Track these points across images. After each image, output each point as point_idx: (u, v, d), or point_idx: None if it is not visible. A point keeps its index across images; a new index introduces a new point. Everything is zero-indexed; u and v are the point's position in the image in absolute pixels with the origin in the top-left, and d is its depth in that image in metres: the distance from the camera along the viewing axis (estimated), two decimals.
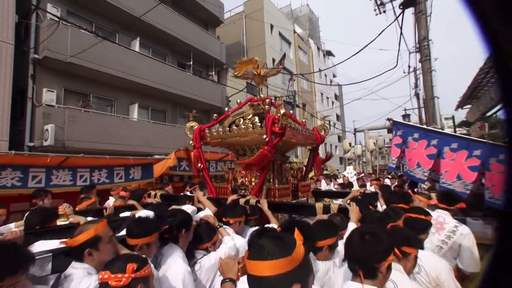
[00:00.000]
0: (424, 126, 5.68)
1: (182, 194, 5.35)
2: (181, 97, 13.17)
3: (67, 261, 1.61)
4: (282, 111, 3.21)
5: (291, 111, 16.55)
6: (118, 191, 4.75)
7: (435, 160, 4.23)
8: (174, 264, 1.90)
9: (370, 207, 3.16)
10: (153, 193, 4.38)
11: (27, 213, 2.60)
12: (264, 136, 3.25)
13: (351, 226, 2.36)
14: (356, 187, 7.75)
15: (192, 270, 2.06)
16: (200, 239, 2.22)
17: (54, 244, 1.86)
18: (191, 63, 14.48)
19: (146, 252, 1.84)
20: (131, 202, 3.71)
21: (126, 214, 3.21)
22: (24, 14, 8.61)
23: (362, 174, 13.37)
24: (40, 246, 1.93)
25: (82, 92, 10.27)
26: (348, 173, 15.05)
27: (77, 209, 3.47)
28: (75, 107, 9.50)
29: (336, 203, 2.99)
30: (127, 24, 10.98)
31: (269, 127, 3.22)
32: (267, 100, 3.72)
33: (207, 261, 2.11)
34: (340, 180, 10.12)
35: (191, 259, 2.15)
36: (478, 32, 0.54)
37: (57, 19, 8.38)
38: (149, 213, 2.69)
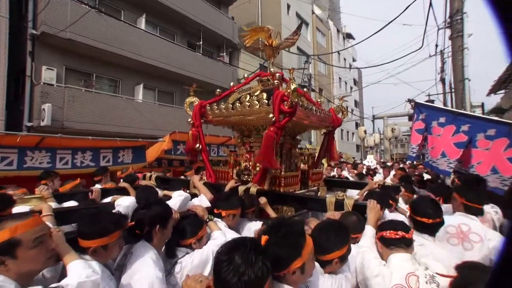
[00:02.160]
0: (453, 109, 4.94)
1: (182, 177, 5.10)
2: (190, 78, 12.63)
3: None
4: (293, 86, 2.71)
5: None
6: (128, 173, 4.51)
7: (464, 149, 3.66)
8: (141, 269, 1.54)
9: (391, 202, 2.81)
10: (148, 174, 4.17)
11: None
12: (271, 115, 2.79)
13: (369, 229, 1.90)
14: (380, 177, 7.19)
15: (172, 273, 1.71)
16: (183, 233, 1.88)
17: None
18: (201, 43, 13.93)
19: (103, 256, 1.50)
20: (122, 184, 3.48)
21: (109, 199, 2.87)
22: None
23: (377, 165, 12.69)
24: None
25: (84, 71, 10.07)
26: (368, 161, 14.58)
27: (60, 190, 3.28)
28: (77, 86, 9.31)
29: (351, 197, 2.50)
30: (133, 0, 10.45)
31: (277, 104, 2.76)
32: (277, 75, 3.23)
33: (189, 262, 1.75)
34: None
35: (171, 257, 1.80)
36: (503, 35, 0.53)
37: None
38: (131, 200, 2.42)
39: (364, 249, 1.74)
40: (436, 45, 13.11)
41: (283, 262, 1.18)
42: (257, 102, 3.03)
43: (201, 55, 13.62)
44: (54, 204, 2.38)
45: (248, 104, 3.09)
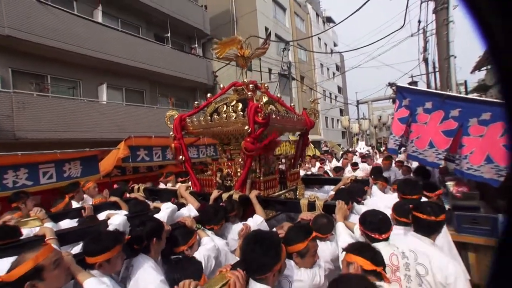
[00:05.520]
0: (441, 92, 4.73)
1: (164, 187, 5.44)
2: (161, 74, 12.90)
3: None
4: (265, 99, 3.31)
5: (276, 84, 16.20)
6: (89, 186, 4.70)
7: (454, 137, 3.55)
8: (144, 276, 1.97)
9: (358, 198, 3.29)
10: (136, 187, 4.55)
11: None
12: (247, 127, 3.29)
13: (340, 227, 2.45)
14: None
15: None
16: (175, 242, 2.34)
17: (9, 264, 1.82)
18: (169, 35, 14.04)
19: (108, 269, 1.92)
20: (113, 199, 3.81)
21: (104, 214, 3.25)
22: None
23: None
24: None
25: (36, 73, 9.81)
26: (360, 148, 15.58)
27: (52, 211, 3.47)
28: (28, 91, 9.09)
29: (321, 199, 3.08)
30: None
31: (251, 117, 3.25)
32: (250, 86, 3.71)
33: None
34: (331, 164, 9.59)
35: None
36: (475, 27, 0.57)
37: None
38: (121, 218, 2.80)
39: (346, 244, 2.27)
40: (419, 21, 13.50)
41: (267, 267, 1.65)
42: (233, 114, 3.53)
43: (170, 49, 13.74)
44: (51, 224, 2.78)
45: (225, 115, 3.59)
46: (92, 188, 4.67)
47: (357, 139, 23.02)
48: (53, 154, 4.98)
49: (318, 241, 2.21)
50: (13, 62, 9.04)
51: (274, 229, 2.64)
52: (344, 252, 1.83)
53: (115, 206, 3.58)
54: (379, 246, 2.04)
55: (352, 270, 1.70)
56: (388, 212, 2.40)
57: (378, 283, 1.58)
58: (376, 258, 1.70)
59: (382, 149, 16.36)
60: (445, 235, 2.54)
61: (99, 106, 10.74)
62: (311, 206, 2.95)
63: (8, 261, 1.72)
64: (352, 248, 1.80)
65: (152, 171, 7.00)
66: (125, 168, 6.43)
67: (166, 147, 6.43)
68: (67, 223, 3.11)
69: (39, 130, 8.59)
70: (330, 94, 32.55)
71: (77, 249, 2.41)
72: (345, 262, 1.79)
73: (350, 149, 17.40)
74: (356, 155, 12.10)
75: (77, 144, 7.25)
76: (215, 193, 3.51)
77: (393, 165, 6.92)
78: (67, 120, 9.33)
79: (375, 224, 2.14)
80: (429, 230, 2.15)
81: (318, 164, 8.94)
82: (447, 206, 4.22)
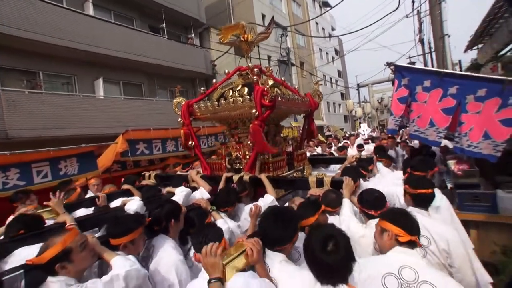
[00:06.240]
0: (439, 69, 4.69)
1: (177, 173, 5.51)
2: (158, 66, 12.90)
3: (44, 275, 1.69)
4: (271, 82, 3.41)
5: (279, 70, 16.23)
6: (93, 181, 4.70)
7: (453, 115, 3.66)
8: (165, 255, 2.12)
9: (363, 172, 3.48)
10: (147, 174, 4.72)
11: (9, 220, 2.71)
12: (254, 110, 3.40)
13: (346, 201, 2.61)
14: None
15: (187, 257, 2.31)
16: (192, 223, 2.47)
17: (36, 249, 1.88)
18: (164, 25, 13.94)
19: (132, 249, 2.05)
20: (125, 186, 3.93)
21: (118, 201, 3.37)
22: None
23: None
24: (21, 253, 2.07)
25: (27, 70, 9.68)
26: (363, 130, 15.82)
27: (65, 202, 3.48)
28: (18, 88, 8.97)
29: (329, 175, 3.22)
30: None
31: (258, 100, 3.37)
32: (255, 70, 3.80)
33: None
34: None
35: (185, 244, 2.42)
36: None
37: None
38: (138, 203, 2.92)
39: (346, 217, 2.46)
40: (413, 1, 13.62)
41: (287, 239, 1.79)
42: (240, 98, 3.64)
43: (166, 40, 13.65)
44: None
45: (232, 100, 3.72)
46: (92, 186, 4.61)
47: (359, 122, 23.18)
48: (45, 152, 4.86)
49: (328, 215, 2.40)
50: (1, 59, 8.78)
51: (286, 204, 2.78)
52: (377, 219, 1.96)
53: (128, 194, 3.68)
54: (375, 222, 2.16)
55: (386, 238, 1.80)
56: (386, 191, 2.58)
57: (405, 249, 1.69)
58: (412, 227, 1.77)
59: (385, 130, 16.68)
60: (448, 208, 2.71)
61: (96, 101, 10.68)
62: (319, 183, 3.11)
63: (36, 247, 1.83)
64: (388, 215, 1.89)
65: (153, 164, 6.96)
66: (125, 162, 6.37)
67: (166, 140, 6.49)
68: (82, 212, 3.22)
69: (33, 128, 8.49)
70: (331, 78, 32.75)
71: None
72: (379, 227, 1.89)
73: (352, 132, 17.49)
74: (360, 137, 12.24)
75: (74, 141, 7.19)
76: (227, 174, 3.68)
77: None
78: (63, 117, 9.25)
79: (371, 202, 2.37)
80: (426, 203, 2.38)
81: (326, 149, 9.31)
82: (449, 185, 4.41)
